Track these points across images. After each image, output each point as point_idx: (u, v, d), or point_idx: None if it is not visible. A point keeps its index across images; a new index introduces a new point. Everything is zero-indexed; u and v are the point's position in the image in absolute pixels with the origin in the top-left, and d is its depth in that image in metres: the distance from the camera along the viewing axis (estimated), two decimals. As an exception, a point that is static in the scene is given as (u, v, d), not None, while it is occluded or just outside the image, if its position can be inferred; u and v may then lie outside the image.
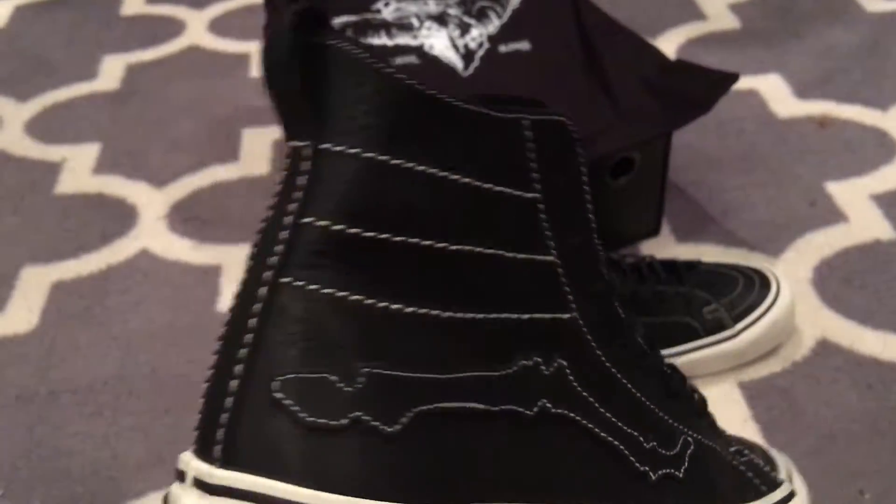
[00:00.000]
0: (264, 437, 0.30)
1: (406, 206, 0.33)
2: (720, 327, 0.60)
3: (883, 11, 1.03)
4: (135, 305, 0.71)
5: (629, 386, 0.40)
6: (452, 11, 0.74)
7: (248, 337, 0.31)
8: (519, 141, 0.36)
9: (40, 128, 0.94)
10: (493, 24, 0.74)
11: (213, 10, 1.13)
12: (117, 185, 0.84)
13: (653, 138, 0.65)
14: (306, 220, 0.31)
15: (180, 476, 0.31)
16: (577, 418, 0.37)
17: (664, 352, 0.60)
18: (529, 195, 0.36)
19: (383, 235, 0.32)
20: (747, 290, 0.62)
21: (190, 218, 0.80)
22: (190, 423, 0.61)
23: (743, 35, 1.01)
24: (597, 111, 0.65)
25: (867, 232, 0.73)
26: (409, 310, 0.32)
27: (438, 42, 0.71)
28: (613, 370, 0.39)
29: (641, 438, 0.40)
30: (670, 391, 0.44)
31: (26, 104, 0.98)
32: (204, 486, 0.30)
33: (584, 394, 0.38)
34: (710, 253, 0.72)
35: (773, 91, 0.91)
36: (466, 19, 0.73)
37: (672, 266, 0.63)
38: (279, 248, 0.31)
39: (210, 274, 0.73)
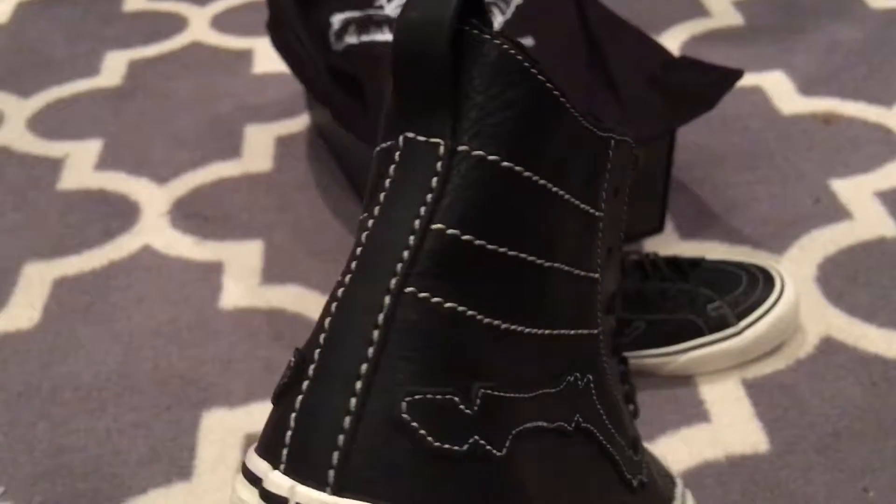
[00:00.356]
0: (384, 462, 0.27)
1: (522, 219, 0.31)
2: (724, 325, 0.60)
3: (888, 8, 1.02)
4: (137, 302, 0.71)
5: (616, 395, 0.40)
6: (456, 7, 0.74)
7: (369, 350, 0.28)
8: (604, 159, 0.35)
9: (42, 124, 0.94)
10: (497, 20, 0.73)
11: (216, 7, 1.13)
12: (119, 182, 0.84)
13: (657, 135, 0.65)
14: (436, 226, 0.29)
15: (268, 499, 0.28)
16: (595, 432, 0.37)
17: (669, 349, 0.60)
18: (598, 213, 0.35)
19: (501, 249, 0.30)
20: (751, 287, 0.61)
21: (192, 214, 0.80)
22: (192, 419, 0.61)
23: (747, 32, 1.00)
24: (600, 107, 0.65)
25: (872, 229, 0.72)
26: (504, 326, 0.31)
27: (441, 38, 0.71)
28: (611, 381, 0.39)
29: (626, 446, 0.40)
30: (628, 397, 0.44)
31: (29, 100, 0.98)
32: None
33: (599, 407, 0.37)
34: (713, 250, 0.71)
35: (778, 88, 0.90)
36: (470, 15, 0.73)
37: (676, 263, 0.62)
38: (405, 253, 0.29)
39: (212, 270, 0.73)
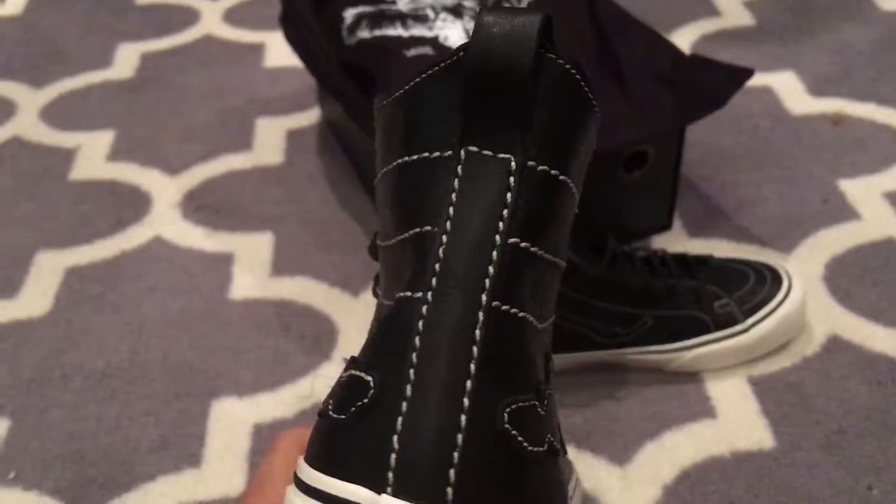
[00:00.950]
0: (495, 474, 0.28)
1: (562, 225, 0.32)
2: (731, 322, 0.60)
3: (898, 10, 1.03)
4: (148, 291, 0.71)
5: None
6: (467, 3, 0.74)
7: (471, 366, 0.28)
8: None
9: (55, 115, 0.94)
10: (508, 17, 0.74)
11: (228, 0, 1.14)
12: (131, 173, 0.85)
13: (667, 132, 0.65)
14: (512, 240, 0.30)
15: None
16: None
17: (676, 345, 0.60)
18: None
19: (547, 255, 0.31)
20: (759, 285, 0.62)
21: (203, 206, 0.80)
22: (201, 408, 0.61)
23: (757, 32, 1.00)
24: (611, 104, 0.65)
25: (879, 229, 0.73)
26: (541, 326, 0.31)
27: (453, 34, 0.71)
28: None
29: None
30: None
31: (41, 91, 0.98)
32: None
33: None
34: (721, 248, 0.72)
35: (787, 88, 0.91)
36: (481, 11, 0.73)
37: (683, 260, 0.63)
38: (490, 269, 0.29)
39: (222, 262, 0.74)
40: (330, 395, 0.31)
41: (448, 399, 0.28)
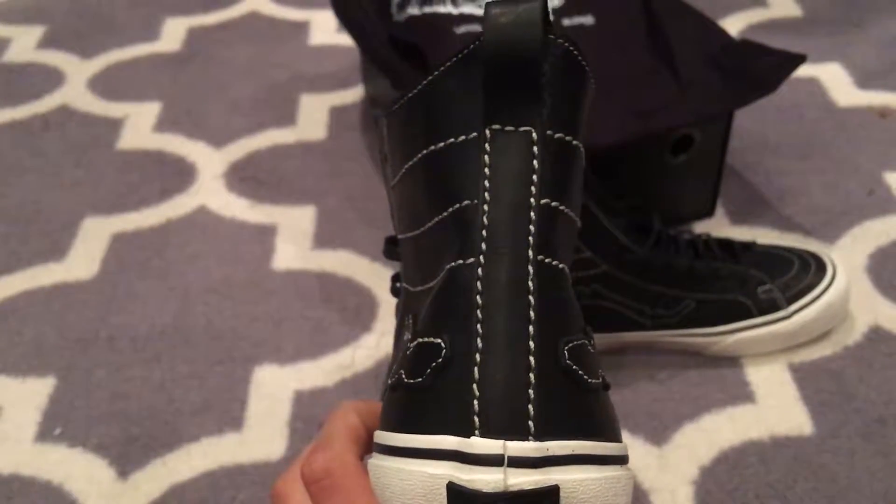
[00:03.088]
0: (566, 404, 0.31)
1: (577, 184, 0.35)
2: (774, 308, 0.60)
3: (950, 5, 1.01)
4: (192, 259, 0.72)
5: None
6: (517, -17, 0.74)
7: (531, 313, 0.31)
8: None
9: (103, 85, 0.96)
10: (556, 0, 0.74)
11: (274, -22, 1.15)
12: (177, 144, 0.86)
13: (716, 115, 0.65)
14: (543, 201, 0.33)
15: (479, 461, 0.29)
16: None
17: (718, 329, 0.60)
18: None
19: (569, 211, 0.34)
20: (803, 272, 0.61)
21: (247, 178, 0.81)
22: (243, 374, 0.62)
23: (804, 23, 1.00)
24: (660, 86, 0.65)
25: (925, 223, 0.72)
26: (572, 275, 0.36)
27: (502, 13, 0.71)
28: None
29: None
30: None
31: (90, 62, 1.00)
32: (528, 463, 0.29)
33: None
34: (764, 236, 0.71)
35: (834, 80, 0.90)
36: (531, -8, 0.73)
37: (728, 244, 0.63)
38: (531, 227, 0.33)
39: (265, 233, 0.75)
40: (399, 368, 0.34)
41: (515, 345, 0.31)
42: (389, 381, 0.34)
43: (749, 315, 0.60)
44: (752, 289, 0.60)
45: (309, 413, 0.59)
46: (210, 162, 0.83)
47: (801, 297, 0.61)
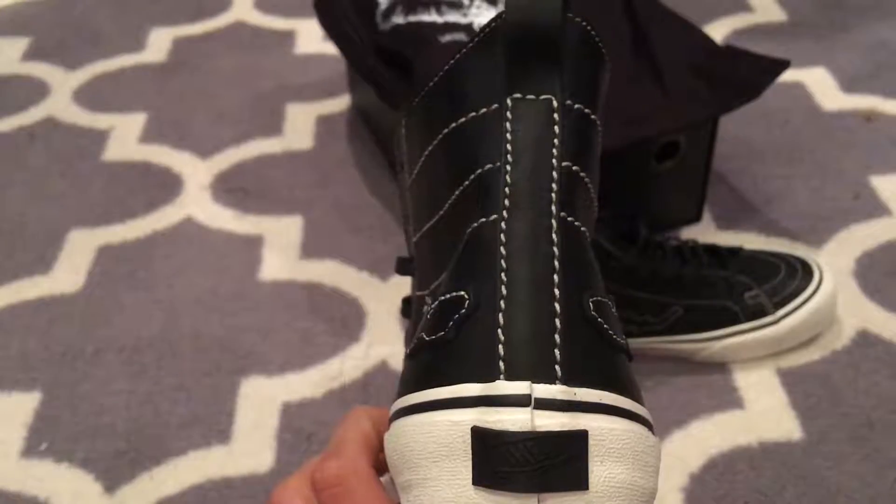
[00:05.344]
0: (590, 353, 0.31)
1: (595, 154, 0.37)
2: (761, 313, 0.60)
3: (933, 9, 1.02)
4: (178, 271, 0.72)
5: None
6: (502, -9, 0.74)
7: (555, 264, 0.32)
8: None
9: (88, 96, 0.95)
10: (543, 5, 0.74)
11: (260, -13, 1.14)
12: (163, 154, 0.85)
13: (701, 122, 0.65)
14: (564, 164, 0.34)
15: (505, 402, 0.29)
16: None
17: (705, 335, 0.60)
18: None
19: (587, 178, 0.36)
20: (790, 277, 0.61)
21: (233, 188, 0.81)
22: (231, 386, 0.62)
23: (790, 28, 1.00)
24: (645, 93, 0.65)
25: (911, 226, 0.72)
26: (590, 238, 0.36)
27: (487, 20, 0.72)
28: None
29: None
30: None
31: (74, 73, 0.99)
32: (555, 405, 0.29)
33: None
34: (751, 242, 0.71)
35: (820, 84, 0.90)
36: (516, -1, 0.73)
37: (715, 251, 0.63)
38: (554, 186, 0.33)
39: (252, 243, 0.74)
40: (420, 331, 0.34)
41: (541, 292, 0.31)
42: (407, 351, 0.34)
43: (737, 321, 0.60)
44: (739, 294, 0.60)
45: (297, 425, 0.59)
46: (196, 173, 0.83)
47: (788, 303, 0.61)
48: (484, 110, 0.35)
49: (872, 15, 1.01)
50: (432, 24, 0.71)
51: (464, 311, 0.31)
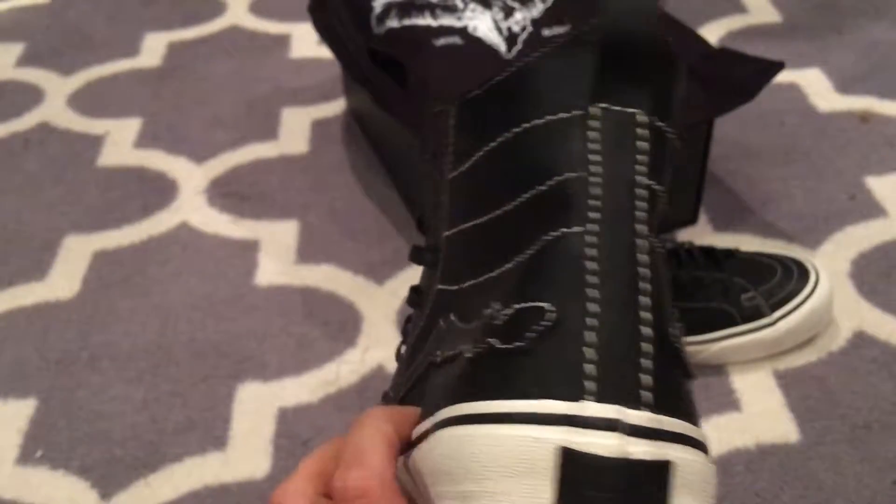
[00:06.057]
0: (673, 382, 0.31)
1: (668, 168, 0.36)
2: (757, 315, 0.60)
3: (927, 9, 1.02)
4: (174, 276, 0.72)
5: None
6: (496, -6, 0.74)
7: (647, 286, 0.31)
8: None
9: (83, 102, 0.95)
10: (537, 8, 0.74)
11: (255, -8, 1.14)
12: (158, 160, 0.85)
13: (696, 124, 0.65)
14: (650, 182, 0.33)
15: (591, 424, 0.29)
16: None
17: (702, 337, 0.60)
18: None
19: (664, 199, 0.36)
20: (786, 279, 0.61)
21: (229, 193, 0.81)
22: (227, 391, 0.62)
23: (784, 29, 1.00)
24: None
25: (907, 227, 0.72)
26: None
27: (482, 24, 0.72)
28: None
29: None
30: None
31: (69, 78, 0.99)
32: (643, 433, 0.29)
33: None
34: (747, 243, 0.71)
35: (815, 85, 0.90)
36: (510, 3, 0.74)
37: (710, 253, 0.63)
38: (643, 204, 0.33)
39: (248, 248, 0.74)
40: (483, 335, 0.33)
41: (632, 314, 0.30)
42: (479, 349, 0.33)
43: (733, 323, 0.60)
44: (735, 296, 0.60)
45: (293, 430, 0.59)
46: (191, 177, 0.83)
47: (784, 304, 0.61)
48: (563, 115, 0.35)
49: (867, 16, 1.02)
50: (427, 28, 0.70)
51: (547, 323, 0.31)
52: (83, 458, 0.58)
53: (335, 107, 0.91)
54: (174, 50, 1.03)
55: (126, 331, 0.67)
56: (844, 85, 0.90)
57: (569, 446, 0.28)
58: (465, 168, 0.39)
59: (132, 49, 1.04)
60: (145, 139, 0.88)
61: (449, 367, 0.34)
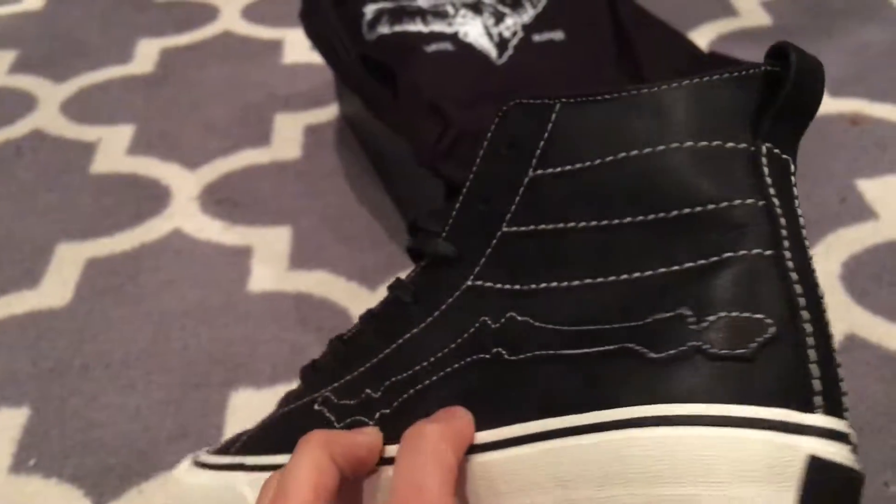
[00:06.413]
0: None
1: None
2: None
3: (917, 11, 1.02)
4: (167, 283, 0.72)
5: None
6: (487, 0, 0.75)
7: (826, 307, 0.34)
8: None
9: (76, 108, 0.95)
10: (528, 14, 0.74)
11: (247, -3, 1.15)
12: (151, 166, 0.85)
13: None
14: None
15: (835, 436, 0.31)
16: None
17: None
18: None
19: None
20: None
21: (222, 200, 0.81)
22: (220, 398, 0.62)
23: (775, 32, 1.00)
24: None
25: (897, 229, 0.73)
26: None
27: (473, 30, 0.72)
28: None
29: None
30: None
31: (62, 85, 0.99)
32: (853, 446, 0.31)
33: None
34: (738, 246, 0.72)
35: (805, 88, 0.90)
36: (501, 8, 0.74)
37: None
38: (804, 232, 0.36)
39: (240, 255, 0.74)
40: (696, 341, 0.34)
41: (826, 333, 0.33)
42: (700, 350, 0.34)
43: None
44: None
45: (286, 437, 0.59)
46: (184, 184, 0.83)
47: (775, 308, 0.61)
48: (733, 145, 0.37)
49: (856, 18, 1.02)
50: (418, 34, 0.71)
51: (768, 336, 0.32)
52: (76, 467, 0.58)
53: (328, 112, 0.92)
54: (167, 56, 1.03)
55: (118, 339, 0.67)
56: (835, 87, 0.90)
57: (819, 455, 0.30)
58: (558, 170, 0.39)
59: (125, 55, 1.04)
60: (138, 146, 0.88)
61: (579, 365, 0.35)
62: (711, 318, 0.33)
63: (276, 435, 0.45)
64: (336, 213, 0.78)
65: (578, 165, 0.39)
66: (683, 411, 0.32)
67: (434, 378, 0.39)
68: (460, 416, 0.36)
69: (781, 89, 0.37)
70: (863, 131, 0.84)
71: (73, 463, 0.58)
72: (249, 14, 1.11)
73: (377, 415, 0.41)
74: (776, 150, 0.37)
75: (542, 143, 0.40)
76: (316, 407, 0.44)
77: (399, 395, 0.41)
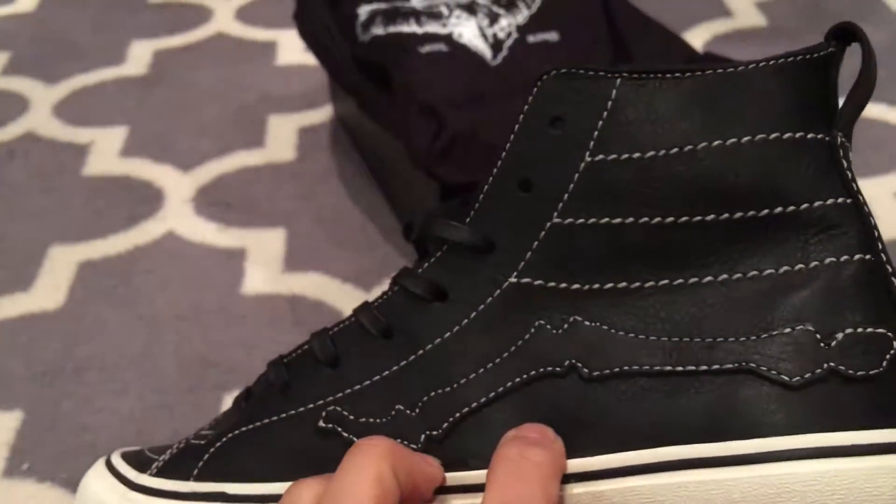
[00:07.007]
0: None
1: None
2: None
3: (911, 12, 1.02)
4: (160, 286, 0.72)
5: None
6: (482, 1, 0.74)
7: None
8: None
9: (68, 110, 0.95)
10: (522, 14, 0.74)
11: (240, -1, 1.14)
12: (144, 168, 0.85)
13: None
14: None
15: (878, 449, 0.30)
16: None
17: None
18: None
19: None
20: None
21: (216, 202, 0.80)
22: (214, 401, 0.61)
23: (769, 33, 1.01)
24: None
25: (891, 230, 0.73)
26: None
27: (467, 31, 0.72)
28: None
29: None
30: None
31: (54, 87, 0.99)
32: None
33: None
34: (734, 247, 0.72)
35: (800, 89, 0.90)
36: (495, 9, 0.74)
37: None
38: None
39: (235, 257, 0.74)
40: (844, 358, 0.32)
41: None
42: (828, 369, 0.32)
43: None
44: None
45: (281, 440, 0.59)
46: (178, 186, 0.82)
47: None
48: (813, 135, 0.35)
49: (851, 19, 1.02)
50: (412, 35, 0.70)
51: (893, 350, 0.32)
52: (70, 472, 0.58)
53: (322, 114, 0.91)
54: (160, 58, 1.03)
55: (112, 342, 0.67)
56: (829, 88, 0.90)
57: None
58: (624, 157, 0.34)
59: (118, 57, 1.04)
60: (131, 148, 0.88)
61: (699, 392, 0.32)
62: (839, 335, 0.32)
63: (265, 457, 0.40)
64: (330, 215, 0.78)
65: (650, 154, 0.34)
66: (837, 441, 0.30)
67: (491, 395, 0.34)
68: (554, 439, 0.32)
69: (859, 75, 0.36)
70: (857, 132, 0.84)
71: (67, 467, 0.58)
72: (243, 15, 1.11)
73: (422, 437, 0.35)
74: (847, 142, 0.36)
75: (600, 122, 0.35)
76: (321, 424, 0.38)
77: (446, 414, 0.35)
